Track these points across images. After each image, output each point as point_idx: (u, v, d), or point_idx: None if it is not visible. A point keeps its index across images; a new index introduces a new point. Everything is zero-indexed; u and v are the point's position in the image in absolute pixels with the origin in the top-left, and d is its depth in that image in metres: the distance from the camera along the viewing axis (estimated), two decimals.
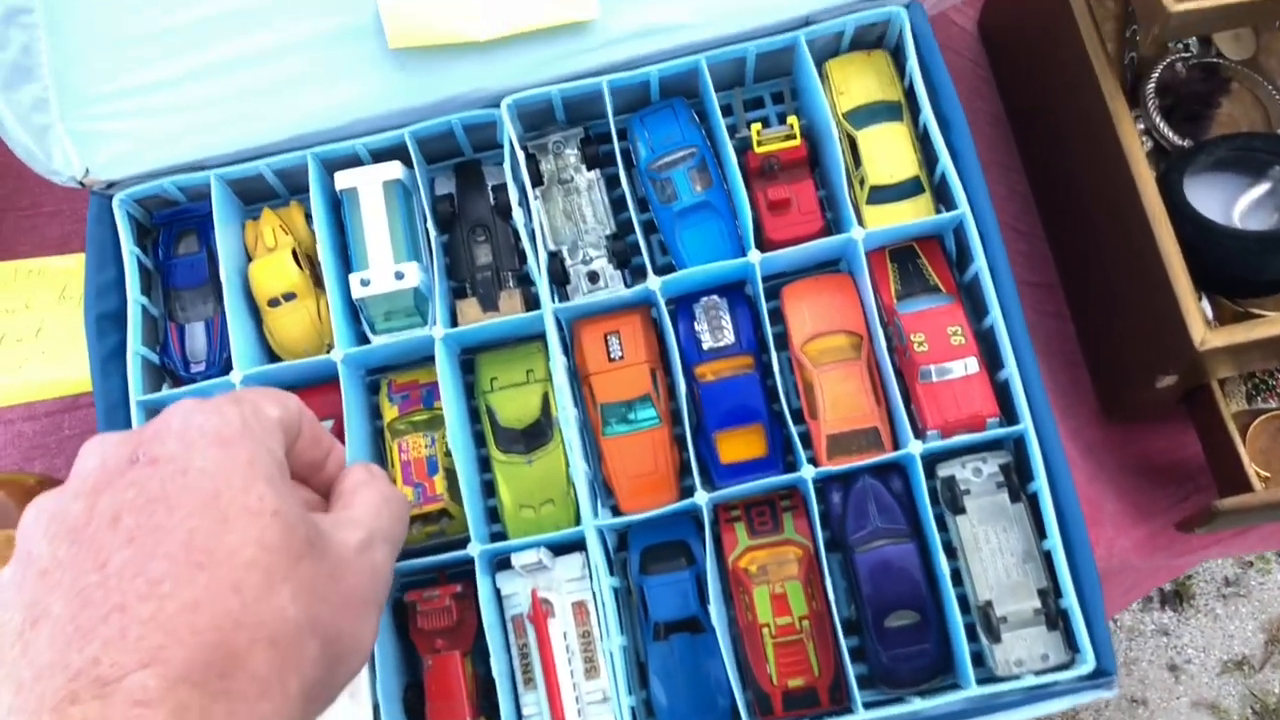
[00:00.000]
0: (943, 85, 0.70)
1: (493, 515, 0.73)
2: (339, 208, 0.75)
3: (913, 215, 0.71)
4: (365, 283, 0.72)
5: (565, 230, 0.73)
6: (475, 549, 0.67)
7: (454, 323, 0.73)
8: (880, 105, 0.73)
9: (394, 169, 0.74)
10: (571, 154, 0.74)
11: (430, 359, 0.71)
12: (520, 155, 0.72)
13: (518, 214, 0.70)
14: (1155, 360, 0.75)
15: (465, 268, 0.75)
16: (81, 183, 0.71)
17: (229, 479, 0.40)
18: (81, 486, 0.41)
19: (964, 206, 0.67)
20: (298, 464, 0.48)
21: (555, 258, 0.72)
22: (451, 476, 0.70)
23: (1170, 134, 0.78)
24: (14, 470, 0.82)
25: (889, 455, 0.66)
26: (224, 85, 0.72)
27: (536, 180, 0.74)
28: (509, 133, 0.71)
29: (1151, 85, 0.79)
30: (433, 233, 0.74)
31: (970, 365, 0.67)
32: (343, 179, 0.74)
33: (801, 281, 0.71)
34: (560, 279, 0.72)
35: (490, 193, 0.76)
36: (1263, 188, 0.76)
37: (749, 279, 0.71)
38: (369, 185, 0.74)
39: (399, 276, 0.72)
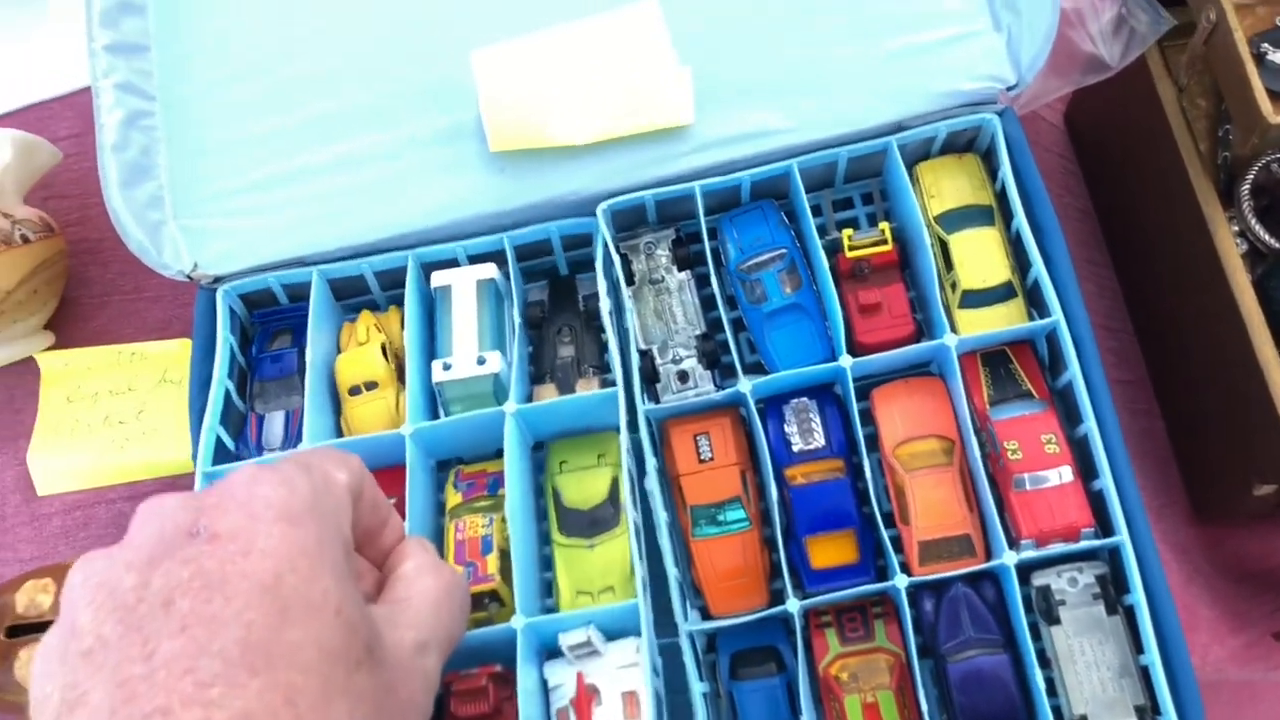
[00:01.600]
0: (1035, 191, 0.71)
1: (549, 612, 0.71)
2: (433, 310, 0.77)
3: (1005, 320, 0.71)
4: (447, 366, 0.73)
5: (656, 330, 0.74)
6: (519, 622, 0.64)
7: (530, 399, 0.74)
8: (972, 209, 0.73)
9: (489, 269, 0.76)
10: (663, 254, 0.76)
11: (500, 453, 0.71)
12: (615, 257, 0.73)
13: (605, 308, 0.71)
14: (1251, 467, 0.74)
15: (547, 361, 0.76)
16: (189, 276, 0.74)
17: (294, 564, 0.38)
18: (135, 556, 0.38)
19: (1058, 313, 0.67)
20: (355, 530, 0.46)
21: (645, 357, 0.73)
22: (505, 558, 0.69)
23: (1266, 236, 0.77)
24: None
25: (983, 565, 0.66)
26: (328, 185, 0.75)
27: (629, 280, 0.75)
28: (604, 234, 0.73)
29: (1246, 187, 0.78)
30: (519, 324, 0.75)
31: (1065, 474, 0.66)
32: (439, 277, 0.76)
33: (892, 384, 0.72)
34: (651, 377, 0.73)
35: (581, 301, 0.78)
36: None
37: (839, 381, 0.71)
38: (463, 283, 0.76)
39: (480, 362, 0.73)
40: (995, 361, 0.71)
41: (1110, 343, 0.89)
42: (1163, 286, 0.86)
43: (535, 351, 0.78)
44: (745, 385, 0.69)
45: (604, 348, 0.75)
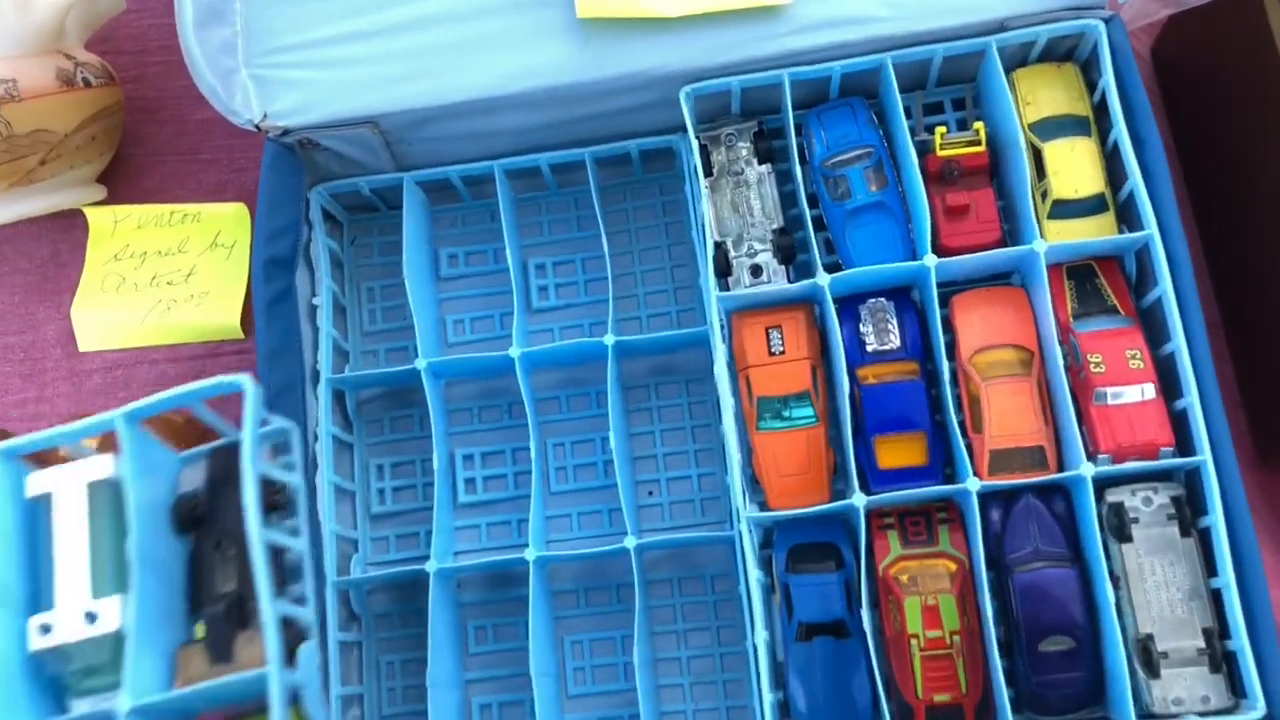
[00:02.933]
0: (1139, 102, 0.69)
1: None
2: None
3: (1095, 232, 0.69)
4: (46, 629, 0.54)
5: (731, 222, 0.73)
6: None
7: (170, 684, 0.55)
8: (1068, 119, 0.71)
9: (105, 464, 0.56)
10: (744, 147, 0.74)
11: None
12: (696, 147, 0.72)
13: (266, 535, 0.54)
14: None
15: (204, 593, 0.56)
16: (258, 126, 0.72)
17: None
18: None
19: (1153, 226, 0.66)
20: None
21: (720, 248, 0.72)
22: None
23: None
24: None
25: (1056, 475, 0.65)
26: (405, 43, 0.73)
27: (707, 171, 0.73)
28: (687, 122, 0.71)
29: None
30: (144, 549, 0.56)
31: (1148, 391, 0.65)
32: (35, 482, 0.57)
33: (973, 292, 0.70)
34: (723, 270, 0.71)
35: (254, 485, 0.54)
36: None
37: (919, 284, 0.70)
38: (68, 489, 0.56)
39: (92, 619, 0.54)
40: (1081, 275, 0.70)
41: None
42: (1247, 226, 0.83)
43: (191, 567, 0.58)
44: (824, 279, 0.67)
45: (282, 560, 0.59)
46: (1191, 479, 0.65)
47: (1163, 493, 0.65)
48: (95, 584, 0.55)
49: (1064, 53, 0.74)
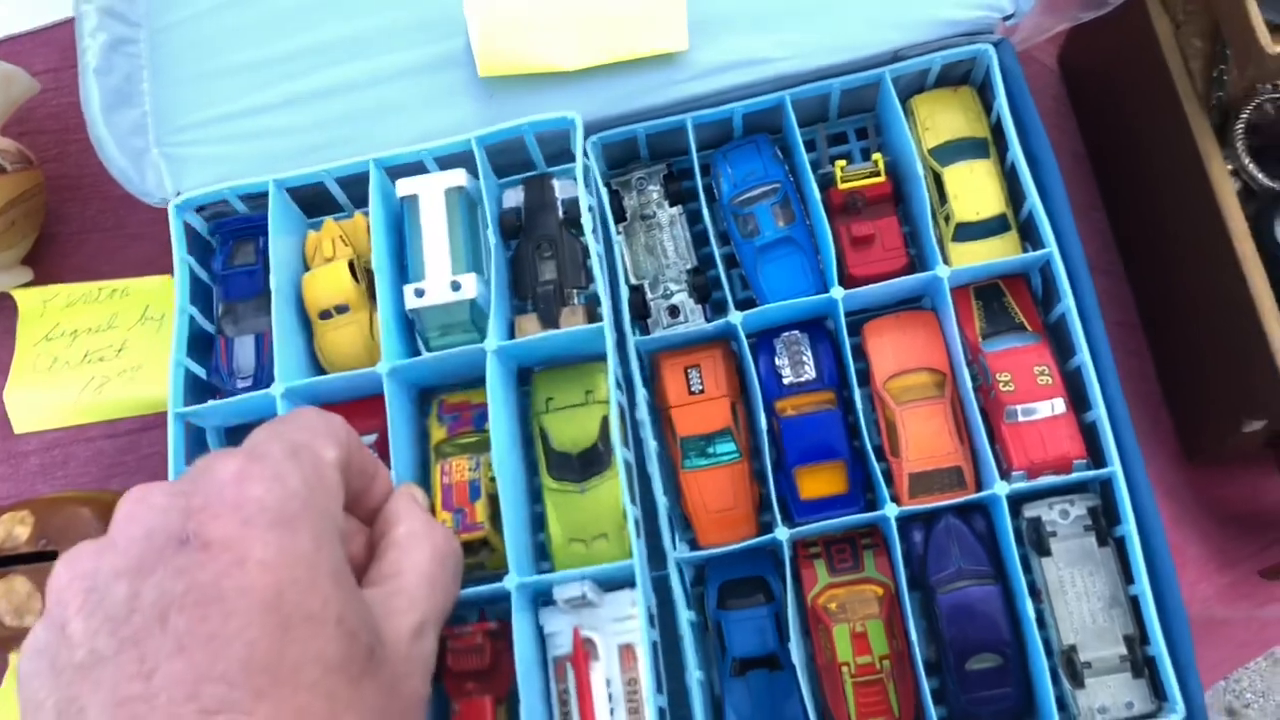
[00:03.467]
0: (1031, 122, 0.71)
1: (541, 551, 0.71)
2: (401, 221, 0.73)
3: (999, 253, 0.71)
4: (420, 293, 0.69)
5: (647, 265, 0.74)
6: (513, 581, 0.63)
7: (512, 337, 0.71)
8: (967, 141, 0.73)
9: (458, 176, 0.72)
10: (654, 190, 0.75)
11: (484, 380, 0.67)
12: (598, 180, 0.72)
13: (587, 224, 0.69)
14: (1242, 405, 0.75)
15: (528, 283, 0.73)
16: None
17: (293, 574, 0.36)
18: (124, 562, 0.36)
19: (1052, 244, 0.68)
20: (345, 498, 0.44)
21: (636, 292, 0.73)
22: (494, 504, 0.67)
23: (1260, 175, 0.77)
24: (95, 488, 0.84)
25: (973, 495, 0.66)
26: (313, 113, 0.74)
27: (619, 216, 0.75)
28: (585, 151, 0.71)
29: (1240, 126, 0.78)
30: (494, 243, 0.72)
31: (1057, 406, 0.67)
32: (404, 186, 0.72)
33: (884, 318, 0.72)
34: (641, 313, 0.73)
35: (560, 206, 0.74)
36: None
37: (831, 314, 0.71)
38: (431, 192, 0.72)
39: (455, 288, 0.69)
40: (988, 295, 0.71)
41: (1100, 283, 0.86)
42: (1156, 227, 0.85)
43: (514, 266, 0.74)
44: (736, 317, 0.68)
45: (587, 264, 0.72)
46: (1106, 489, 0.66)
47: (1079, 504, 0.66)
48: (454, 264, 0.70)
49: (960, 76, 0.76)
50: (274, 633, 0.35)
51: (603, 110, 0.72)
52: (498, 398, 0.68)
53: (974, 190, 0.71)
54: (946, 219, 0.71)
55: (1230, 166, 0.80)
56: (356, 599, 0.39)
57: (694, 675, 0.64)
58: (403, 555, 0.45)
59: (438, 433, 0.72)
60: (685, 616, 0.65)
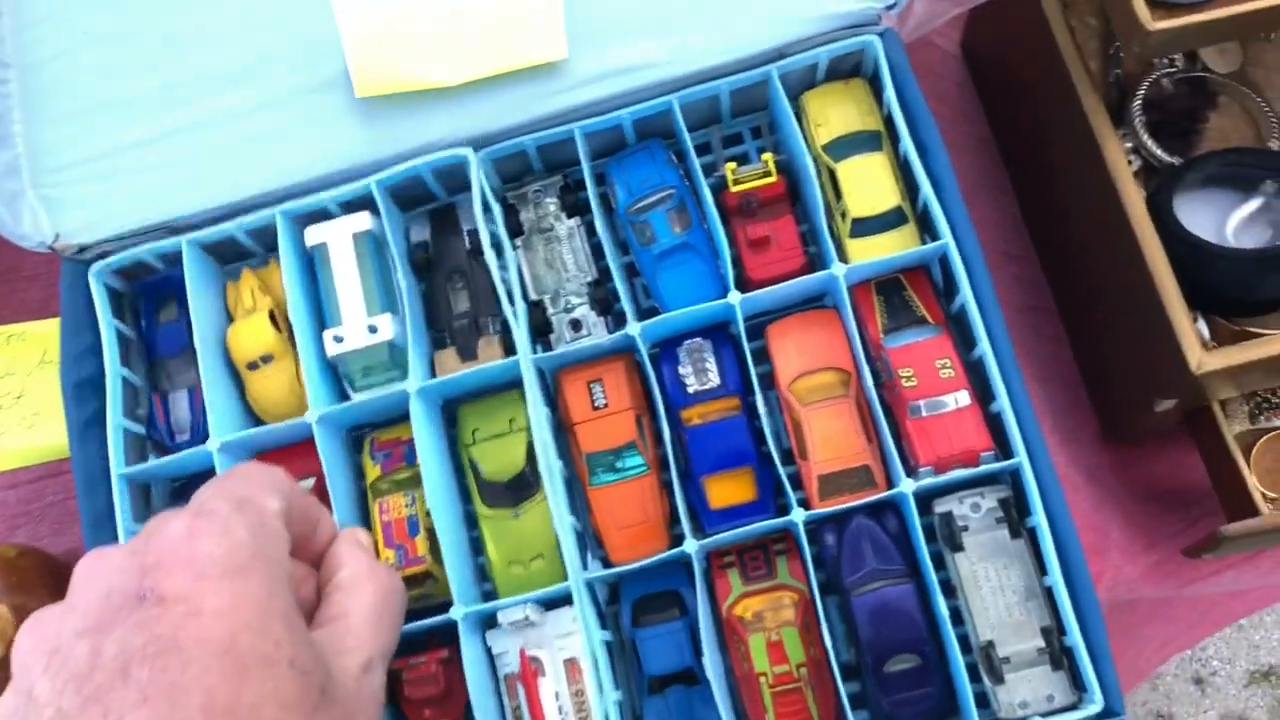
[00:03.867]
0: (920, 113, 0.69)
1: (483, 573, 0.72)
2: (314, 264, 0.73)
3: (897, 246, 0.70)
4: (339, 339, 0.70)
5: (547, 279, 0.73)
6: (459, 612, 0.65)
7: (433, 374, 0.72)
8: (860, 135, 0.72)
9: (363, 220, 0.73)
10: (551, 202, 0.74)
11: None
12: (496, 208, 0.71)
13: (492, 261, 0.69)
14: (1152, 384, 0.74)
15: (444, 317, 0.74)
16: (52, 247, 0.71)
17: (246, 621, 0.38)
18: (84, 622, 0.38)
19: (947, 236, 0.67)
20: (290, 543, 0.46)
21: (538, 307, 0.72)
22: (434, 537, 0.68)
23: (1159, 151, 0.77)
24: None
25: (882, 494, 0.65)
26: (191, 146, 0.72)
27: (516, 231, 0.73)
28: (483, 184, 0.70)
29: (1137, 103, 0.78)
30: (403, 283, 0.72)
31: (961, 399, 0.66)
32: (312, 234, 0.73)
33: (786, 319, 0.70)
34: (543, 329, 0.71)
35: (466, 237, 0.75)
36: (1255, 203, 0.75)
37: (732, 320, 0.70)
38: (338, 238, 0.72)
39: (372, 331, 0.70)
40: (889, 289, 0.70)
41: (1013, 269, 0.88)
42: (1061, 209, 0.85)
43: (428, 300, 0.75)
44: (634, 328, 0.67)
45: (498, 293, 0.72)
46: (1017, 479, 0.65)
47: (990, 496, 0.65)
48: (369, 307, 0.71)
49: (850, 69, 0.75)
50: (231, 677, 0.36)
51: (488, 124, 0.71)
52: (424, 435, 0.69)
53: (868, 184, 0.70)
54: (843, 215, 0.70)
55: (1130, 144, 0.79)
56: (307, 640, 0.40)
57: (610, 698, 0.63)
58: (347, 597, 0.46)
59: (372, 471, 0.72)
60: (597, 638, 0.64)
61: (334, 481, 0.69)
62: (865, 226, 0.70)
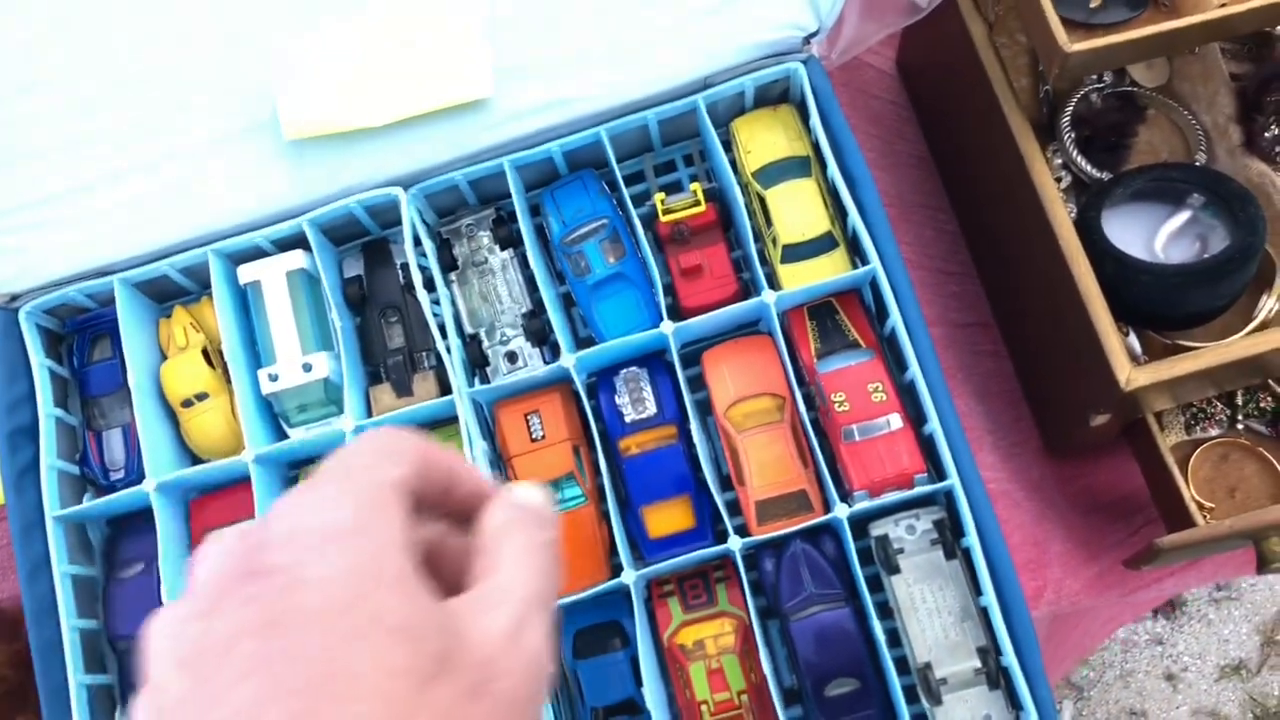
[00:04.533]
0: (846, 141, 0.69)
1: None
2: (248, 301, 0.73)
3: (828, 271, 0.70)
4: (274, 378, 0.70)
5: (482, 312, 0.72)
6: None
7: (370, 410, 0.72)
8: (788, 161, 0.72)
9: (296, 258, 0.73)
10: (484, 235, 0.74)
11: None
12: (429, 244, 0.71)
13: (423, 297, 0.69)
14: (1087, 399, 0.74)
15: (378, 352, 0.73)
16: None
17: (349, 587, 0.36)
18: (196, 605, 0.37)
19: (875, 261, 0.67)
20: (425, 504, 0.43)
21: (473, 340, 0.72)
22: None
23: (1088, 167, 0.78)
24: None
25: (817, 519, 0.65)
26: (123, 193, 0.72)
27: (451, 265, 0.73)
28: (414, 220, 0.70)
29: (1066, 119, 0.79)
30: (338, 321, 0.72)
31: (894, 421, 0.66)
32: (246, 273, 0.73)
33: (721, 345, 0.70)
34: (479, 362, 0.71)
35: (399, 271, 0.75)
36: (1182, 217, 0.75)
37: (666, 348, 0.69)
38: (272, 277, 0.72)
39: (307, 369, 0.70)
40: (822, 314, 0.70)
41: (951, 286, 0.89)
42: (994, 226, 0.85)
43: (363, 335, 0.74)
44: (569, 360, 0.67)
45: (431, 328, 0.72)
46: (951, 501, 0.65)
47: (925, 519, 0.65)
48: (303, 345, 0.70)
49: (778, 95, 0.75)
50: (333, 645, 0.35)
51: (417, 162, 0.70)
52: None
53: (798, 210, 0.70)
54: (774, 241, 0.70)
55: (1060, 160, 0.80)
56: (424, 605, 0.38)
57: None
58: (493, 553, 0.43)
59: None
60: None
61: None
62: (796, 252, 0.70)
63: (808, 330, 0.70)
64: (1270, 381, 0.78)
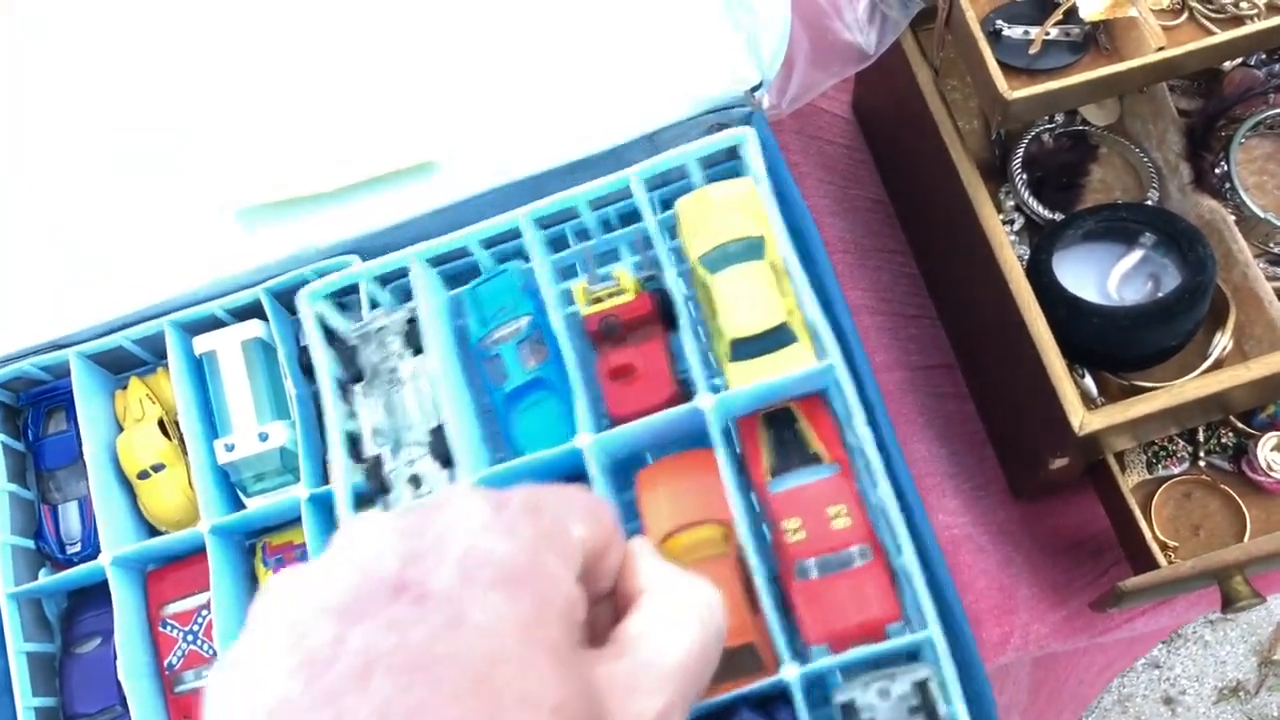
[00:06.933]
0: (792, 197, 0.56)
1: None
2: (203, 369, 0.64)
3: (785, 368, 0.52)
4: (230, 448, 0.61)
5: (386, 429, 0.57)
6: None
7: (326, 478, 0.60)
8: (738, 243, 0.55)
9: (252, 328, 0.62)
10: (395, 340, 0.57)
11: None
12: (326, 354, 0.58)
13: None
14: (1043, 442, 0.62)
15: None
16: None
17: (508, 645, 0.30)
18: (332, 601, 0.31)
19: (834, 355, 0.51)
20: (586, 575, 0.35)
21: (375, 464, 0.57)
22: None
23: (1040, 208, 0.65)
24: None
25: (762, 682, 0.46)
26: (77, 264, 0.66)
27: (356, 377, 0.57)
28: (316, 328, 0.58)
29: (1018, 160, 0.66)
30: (293, 389, 0.61)
31: (863, 554, 0.48)
32: (201, 343, 0.62)
33: (659, 464, 0.52)
34: (380, 489, 0.55)
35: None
36: (1135, 256, 0.64)
37: (586, 467, 0.52)
38: (227, 347, 0.63)
39: (263, 438, 0.61)
40: (780, 422, 0.52)
41: (911, 330, 0.75)
42: (950, 269, 0.70)
43: (319, 402, 0.63)
44: (465, 483, 0.51)
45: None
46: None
47: (902, 679, 0.47)
48: (259, 414, 0.64)
49: (730, 171, 0.59)
50: (480, 713, 0.30)
51: (365, 225, 0.61)
52: (317, 540, 0.59)
53: (748, 299, 0.53)
54: (720, 336, 0.53)
55: (1012, 202, 0.65)
56: (580, 681, 0.33)
57: None
58: (648, 627, 0.36)
59: (265, 577, 0.63)
60: None
61: (224, 591, 0.62)
62: (747, 348, 0.53)
63: (760, 442, 0.52)
64: (1231, 418, 0.66)
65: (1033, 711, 0.81)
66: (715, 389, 0.52)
